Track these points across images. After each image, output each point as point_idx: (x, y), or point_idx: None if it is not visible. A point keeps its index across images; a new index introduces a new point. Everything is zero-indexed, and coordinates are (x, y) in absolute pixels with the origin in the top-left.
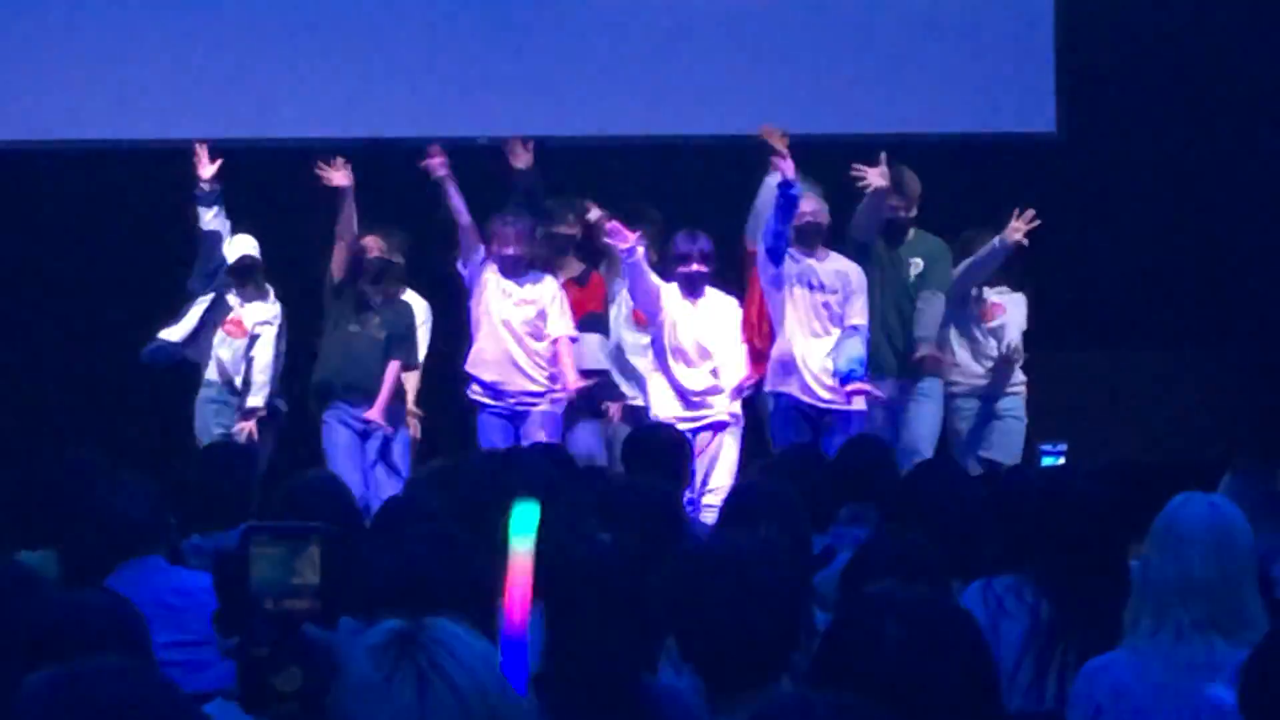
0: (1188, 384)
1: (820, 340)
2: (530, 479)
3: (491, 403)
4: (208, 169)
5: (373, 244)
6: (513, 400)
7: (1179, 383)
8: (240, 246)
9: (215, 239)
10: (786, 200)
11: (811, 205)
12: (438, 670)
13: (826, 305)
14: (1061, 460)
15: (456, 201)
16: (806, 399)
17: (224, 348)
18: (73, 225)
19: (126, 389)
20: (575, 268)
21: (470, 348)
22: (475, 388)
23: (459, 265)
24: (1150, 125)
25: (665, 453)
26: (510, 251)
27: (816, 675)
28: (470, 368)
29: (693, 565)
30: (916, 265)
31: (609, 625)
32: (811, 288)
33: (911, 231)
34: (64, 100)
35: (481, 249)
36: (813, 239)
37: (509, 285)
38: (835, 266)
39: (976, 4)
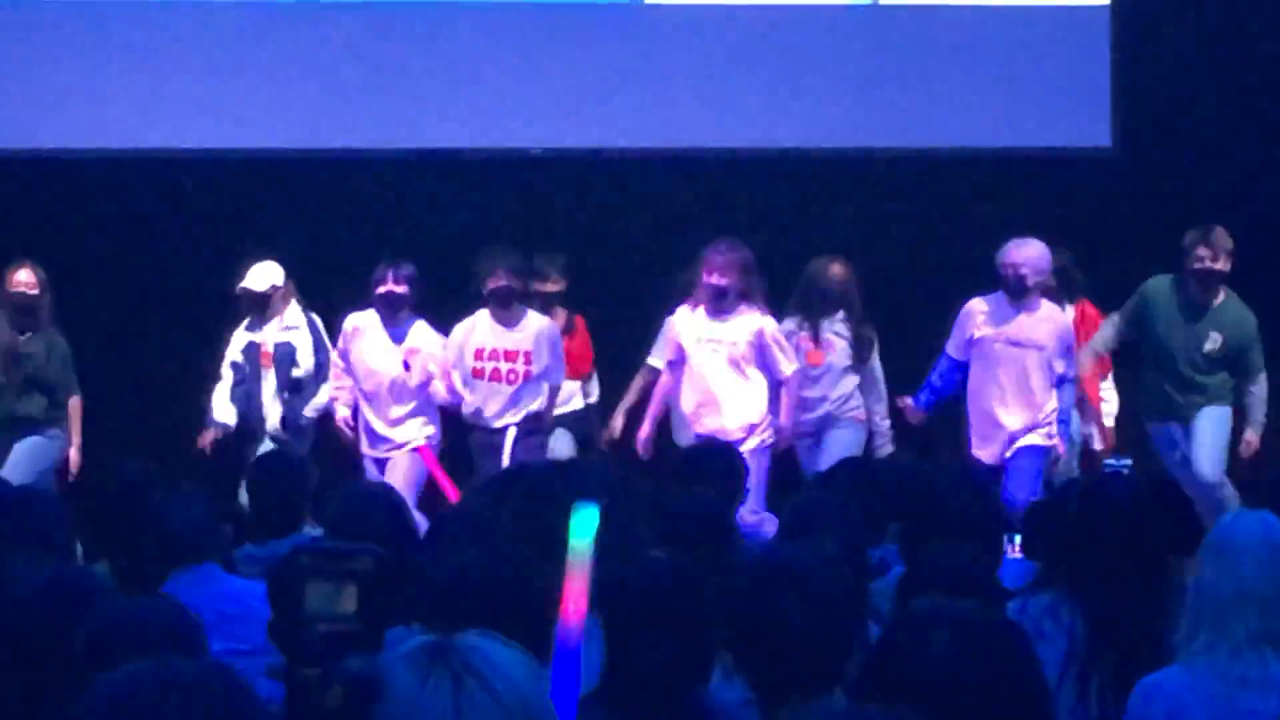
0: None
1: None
2: (586, 493)
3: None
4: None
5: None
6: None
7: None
8: (250, 279)
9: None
10: None
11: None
12: (474, 676)
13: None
14: (1125, 471)
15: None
16: None
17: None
18: (126, 231)
19: (177, 396)
20: (561, 317)
21: None
22: None
23: None
24: (1206, 140)
25: (719, 468)
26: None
27: (865, 687)
28: None
29: (749, 578)
30: (1214, 342)
31: (664, 640)
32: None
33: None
34: (122, 109)
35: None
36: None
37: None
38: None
39: (1032, 19)
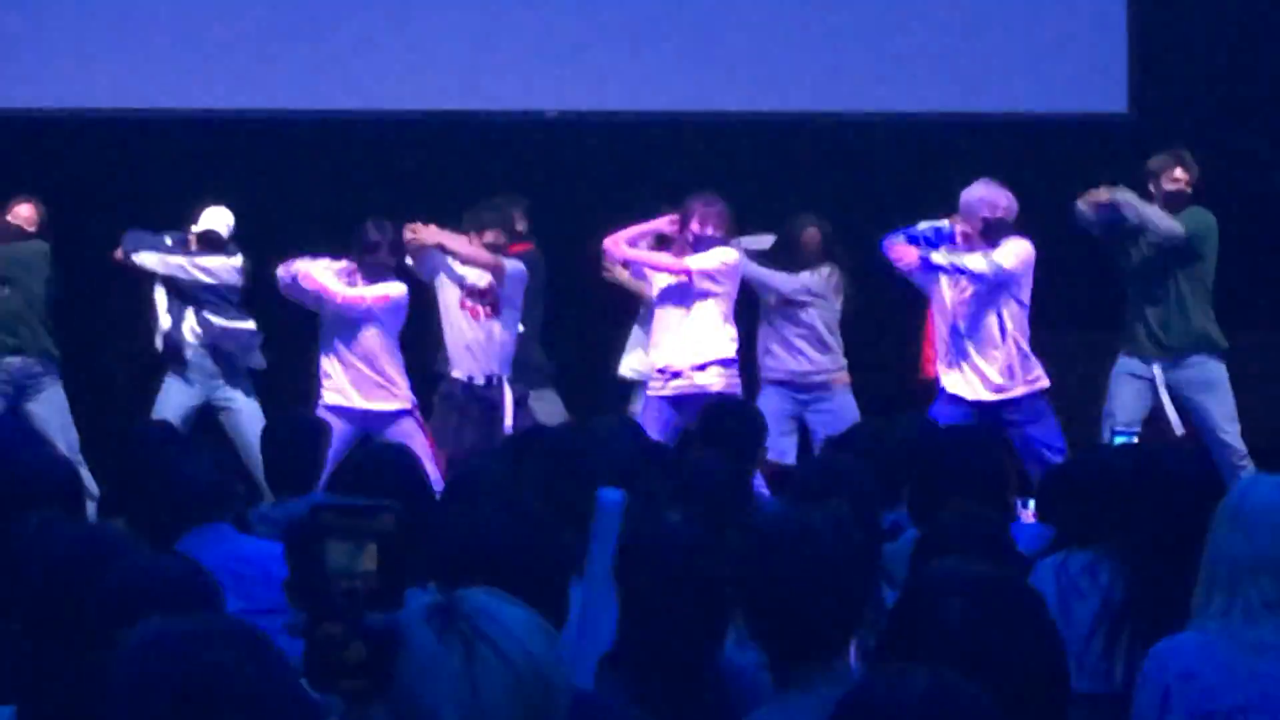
0: (1258, 368)
1: None
2: (604, 454)
3: None
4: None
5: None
6: None
7: (1248, 367)
8: (210, 219)
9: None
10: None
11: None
12: (485, 640)
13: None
14: (1135, 439)
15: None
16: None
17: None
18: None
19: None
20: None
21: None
22: None
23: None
24: (1222, 105)
25: (737, 429)
26: None
27: (883, 651)
28: None
29: (760, 541)
30: None
31: (679, 603)
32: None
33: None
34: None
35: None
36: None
37: None
38: None
39: None
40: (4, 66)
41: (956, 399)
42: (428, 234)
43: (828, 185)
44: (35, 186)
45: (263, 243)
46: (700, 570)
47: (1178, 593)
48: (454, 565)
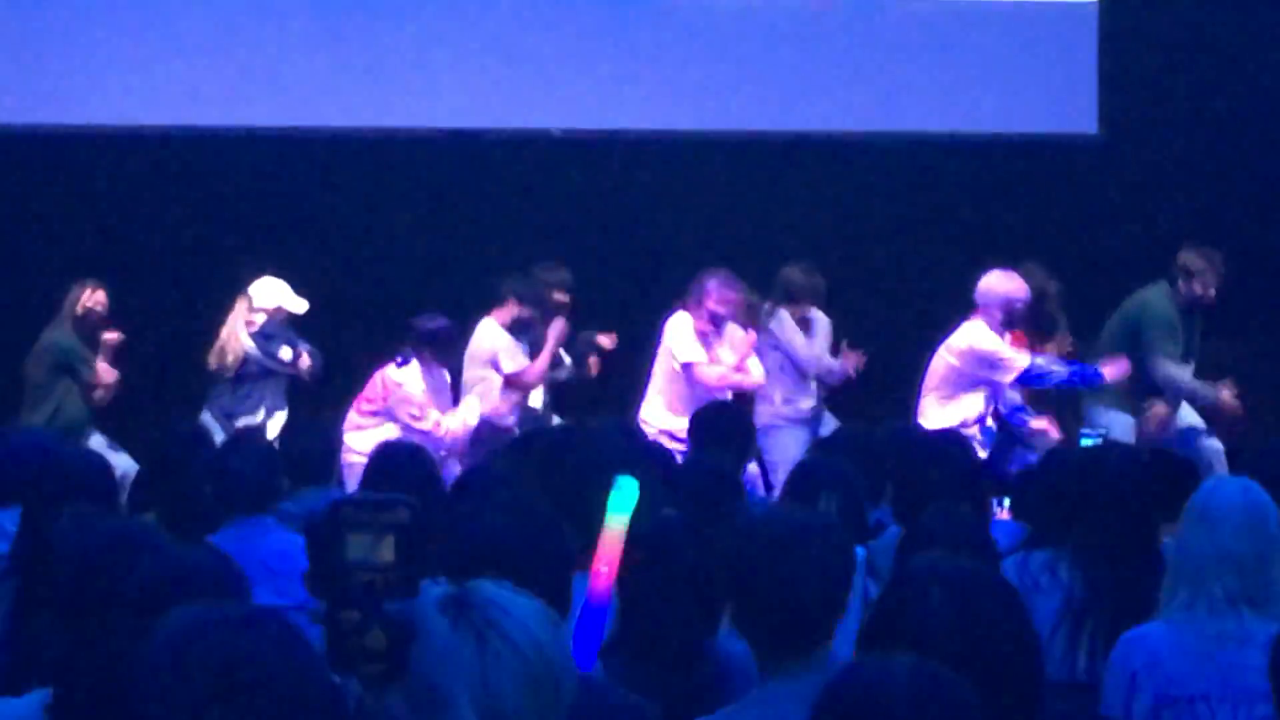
0: (1222, 376)
1: None
2: (603, 453)
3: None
4: None
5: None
6: None
7: (1216, 375)
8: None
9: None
10: None
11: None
12: (495, 629)
13: None
14: (1100, 443)
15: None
16: None
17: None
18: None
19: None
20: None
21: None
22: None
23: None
24: (1191, 126)
25: (729, 430)
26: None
27: (867, 642)
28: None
29: (745, 537)
30: None
31: (674, 594)
32: None
33: None
34: (120, 86)
35: None
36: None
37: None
38: None
39: (1021, 6)
40: (23, 83)
41: None
42: None
43: (795, 206)
44: (52, 204)
45: (265, 257)
46: (694, 563)
47: (1133, 588)
48: (463, 559)
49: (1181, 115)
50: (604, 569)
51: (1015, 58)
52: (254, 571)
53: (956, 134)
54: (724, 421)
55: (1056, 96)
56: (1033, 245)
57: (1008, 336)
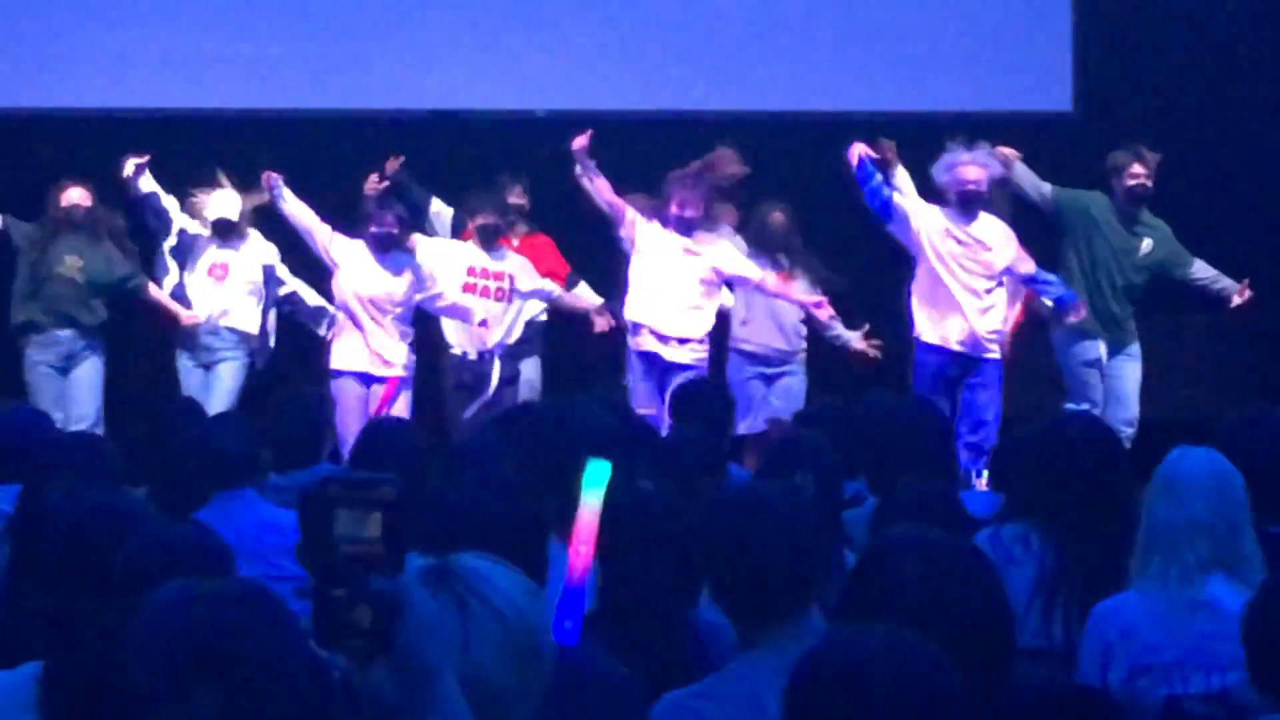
0: (1190, 348)
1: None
2: (585, 427)
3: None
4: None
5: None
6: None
7: (1184, 347)
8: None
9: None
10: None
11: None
12: (477, 598)
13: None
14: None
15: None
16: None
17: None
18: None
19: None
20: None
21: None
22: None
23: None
24: (1166, 103)
25: (708, 404)
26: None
27: (843, 610)
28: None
29: (718, 510)
30: (1147, 245)
31: (653, 567)
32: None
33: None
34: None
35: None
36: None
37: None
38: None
39: None
40: (26, 65)
41: None
42: None
43: (771, 184)
44: (27, 188)
45: None
46: (674, 535)
47: (1104, 558)
48: (446, 532)
49: (1156, 93)
50: (582, 549)
51: (989, 35)
52: (238, 545)
53: (928, 112)
54: (703, 396)
55: (1031, 74)
56: (1009, 221)
57: None
